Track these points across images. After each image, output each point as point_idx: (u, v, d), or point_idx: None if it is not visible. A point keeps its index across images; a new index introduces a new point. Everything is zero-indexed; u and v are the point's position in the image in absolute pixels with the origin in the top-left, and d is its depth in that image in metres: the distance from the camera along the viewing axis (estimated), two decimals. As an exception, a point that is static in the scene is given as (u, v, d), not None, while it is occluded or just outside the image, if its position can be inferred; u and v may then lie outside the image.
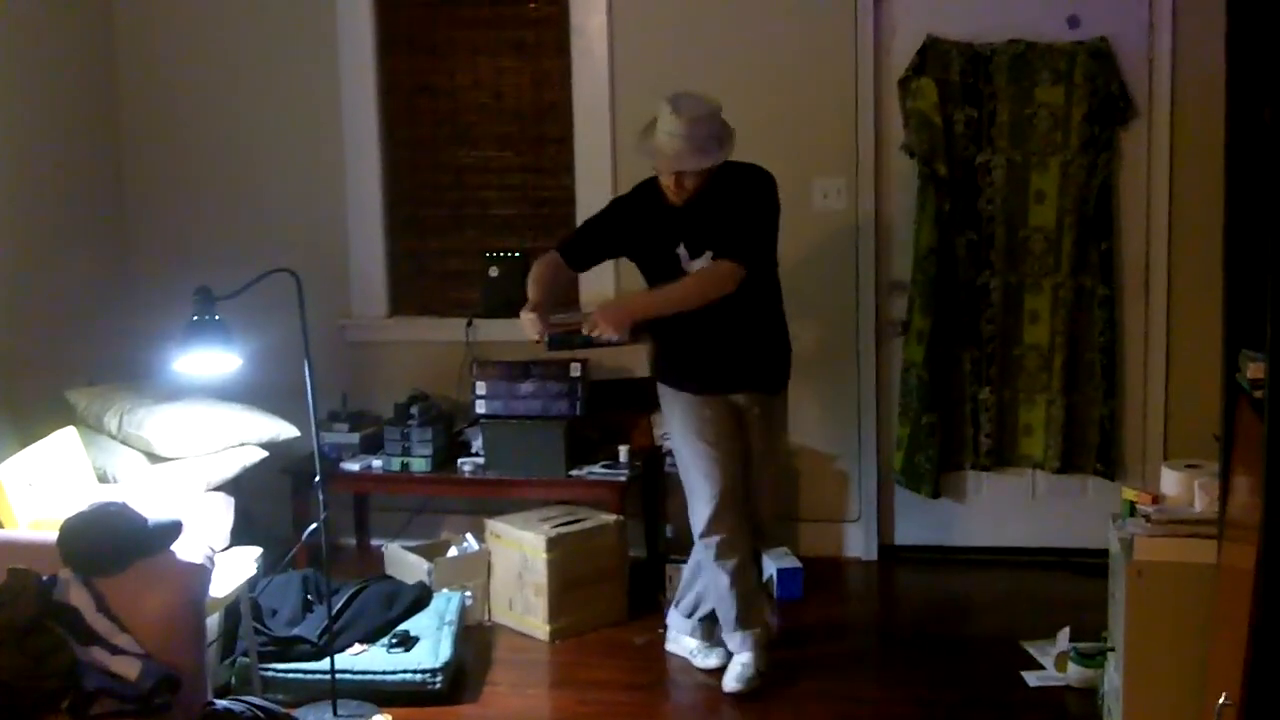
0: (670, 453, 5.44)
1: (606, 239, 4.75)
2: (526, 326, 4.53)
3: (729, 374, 4.65)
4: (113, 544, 3.58)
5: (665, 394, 4.77)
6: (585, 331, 4.50)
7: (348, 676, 4.53)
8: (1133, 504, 3.96)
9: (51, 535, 3.63)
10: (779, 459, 4.98)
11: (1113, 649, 4.02)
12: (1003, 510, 6.02)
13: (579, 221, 5.96)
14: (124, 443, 5.14)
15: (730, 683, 4.69)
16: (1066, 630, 4.75)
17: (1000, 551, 6.00)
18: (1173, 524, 3.74)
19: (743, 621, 4.74)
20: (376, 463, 5.78)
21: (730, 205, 4.52)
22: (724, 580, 4.70)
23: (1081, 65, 5.63)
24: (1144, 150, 5.69)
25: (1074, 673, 4.60)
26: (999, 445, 5.88)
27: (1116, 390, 5.78)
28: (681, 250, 4.55)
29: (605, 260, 4.97)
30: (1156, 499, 3.93)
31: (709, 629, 4.91)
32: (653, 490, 5.80)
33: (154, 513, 3.76)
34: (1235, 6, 3.17)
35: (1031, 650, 4.91)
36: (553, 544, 5.18)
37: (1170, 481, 3.97)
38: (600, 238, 4.76)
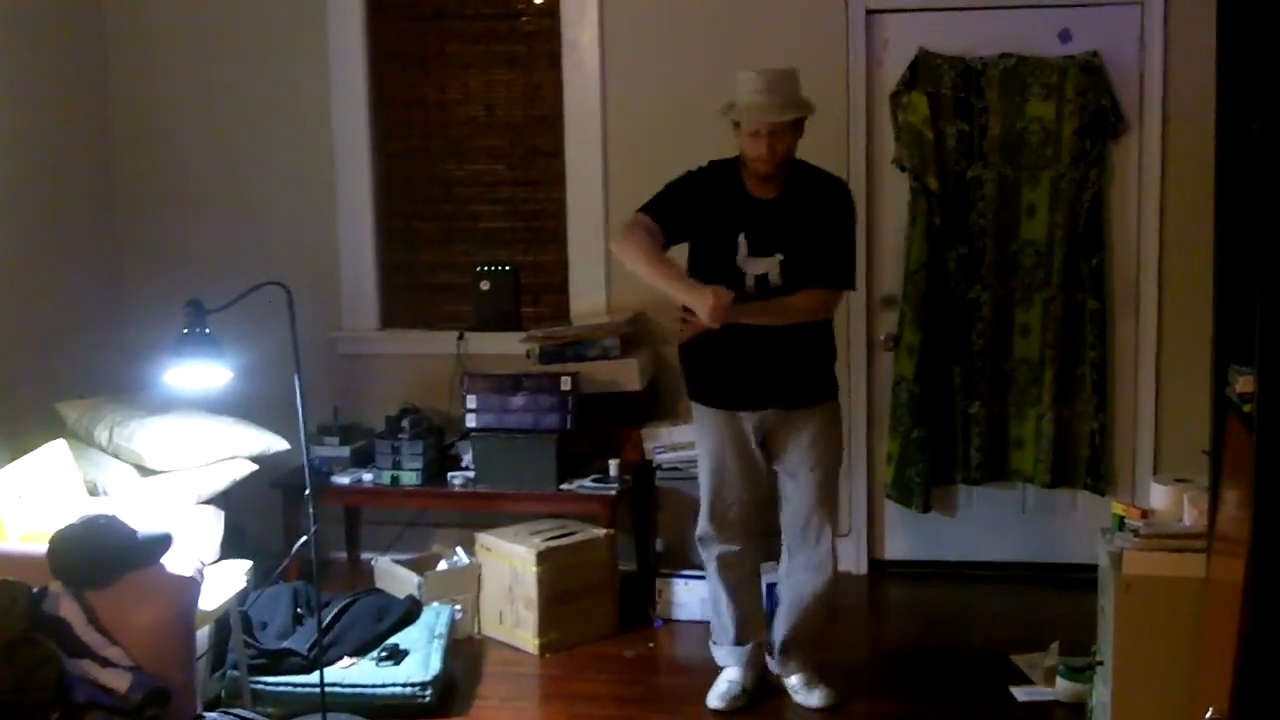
0: (659, 467, 5.50)
1: (683, 206, 4.48)
2: (715, 309, 4.23)
3: (752, 391, 4.52)
4: (103, 557, 3.57)
5: (694, 409, 4.71)
6: (686, 319, 4.38)
7: (338, 690, 4.52)
8: (1122, 518, 3.97)
9: (41, 548, 3.62)
10: (824, 472, 4.65)
11: (1101, 663, 4.02)
12: (993, 525, 6.02)
13: (570, 234, 5.99)
14: (114, 455, 5.13)
15: (713, 700, 4.68)
16: (1056, 645, 4.76)
17: (990, 566, 6.01)
18: (1161, 538, 3.75)
19: (735, 637, 4.74)
20: (367, 476, 5.77)
21: (823, 221, 4.46)
22: (721, 593, 4.71)
23: (1073, 80, 5.64)
24: (1135, 164, 5.71)
25: (1063, 687, 4.59)
26: (989, 459, 5.88)
27: (1107, 404, 5.79)
28: (741, 240, 4.41)
29: (683, 235, 4.52)
30: (1145, 513, 3.95)
31: (782, 660, 4.79)
32: (643, 504, 5.79)
33: (144, 526, 3.76)
34: (1225, 22, 3.18)
35: (1021, 665, 4.91)
36: (543, 557, 5.18)
37: (1159, 496, 3.98)
38: (679, 203, 4.49)
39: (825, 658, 4.81)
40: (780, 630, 4.75)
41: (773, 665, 4.78)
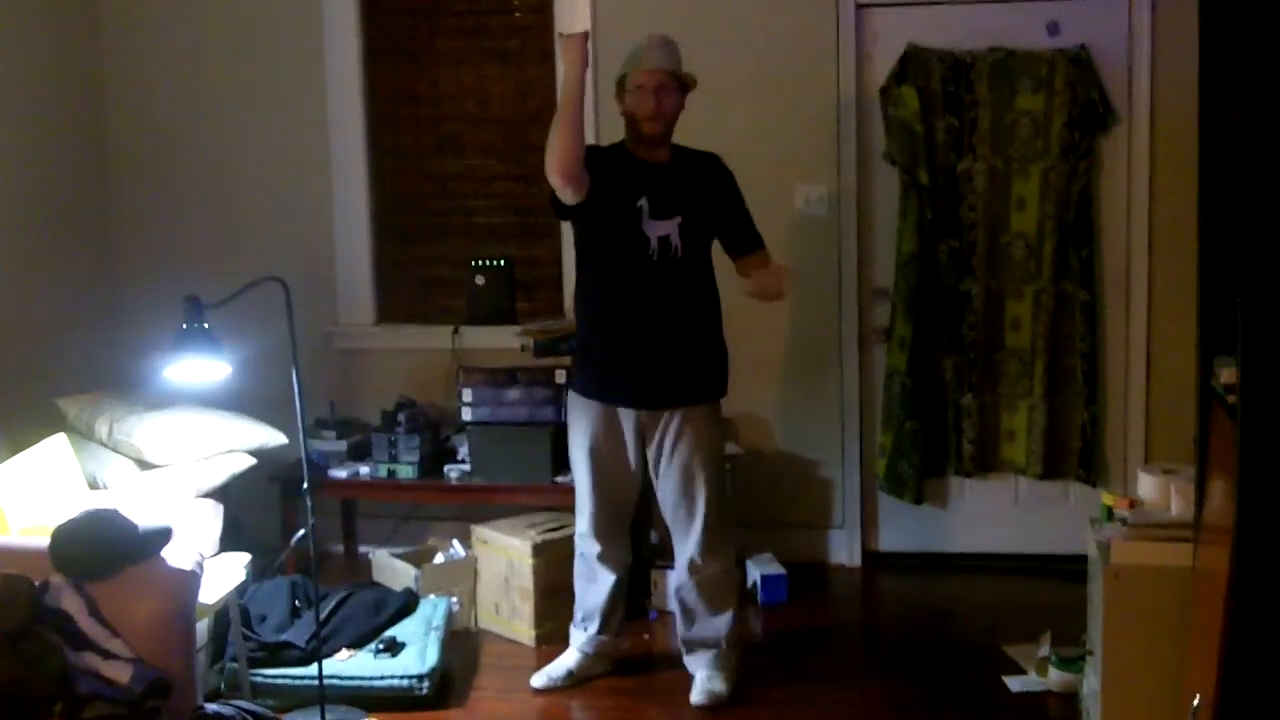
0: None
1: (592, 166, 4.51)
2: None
3: (641, 387, 4.61)
4: (104, 550, 3.60)
5: (571, 399, 4.81)
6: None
7: (336, 682, 4.55)
8: (1110, 508, 4.00)
9: (43, 541, 3.65)
10: (702, 474, 4.66)
11: (1091, 652, 4.05)
12: (985, 516, 6.06)
13: (563, 229, 6.00)
14: (114, 450, 5.16)
15: (536, 677, 4.84)
16: (1048, 635, 4.79)
17: (983, 557, 6.04)
18: (1149, 528, 3.78)
19: (582, 624, 4.92)
20: (364, 469, 5.80)
21: (715, 189, 4.61)
22: (578, 580, 4.91)
23: (1062, 72, 5.68)
24: (1124, 156, 5.75)
25: (1055, 677, 4.63)
26: (981, 451, 5.92)
27: (1098, 396, 5.83)
28: (644, 204, 4.51)
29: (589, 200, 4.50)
30: (1133, 503, 3.97)
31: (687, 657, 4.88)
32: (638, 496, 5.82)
33: (144, 519, 3.78)
34: (1207, 14, 3.21)
35: (1014, 655, 4.95)
36: (538, 549, 5.22)
37: (1147, 486, 4.01)
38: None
39: (811, 649, 4.85)
40: (679, 627, 4.85)
41: (686, 662, 4.87)
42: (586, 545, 4.82)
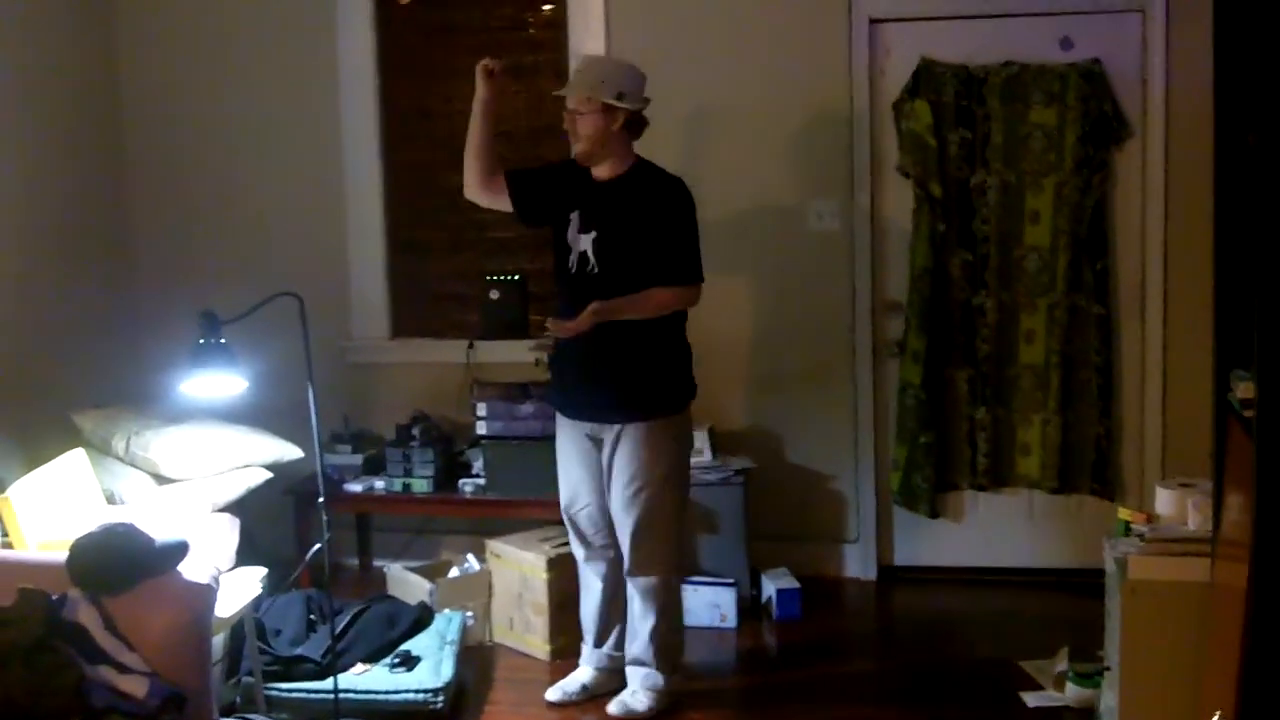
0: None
1: (540, 174, 4.79)
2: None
3: (585, 402, 4.67)
4: (121, 564, 3.60)
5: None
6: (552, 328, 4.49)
7: (351, 696, 4.56)
8: (1127, 523, 3.99)
9: (60, 555, 3.66)
10: (655, 491, 4.63)
11: (1108, 668, 4.04)
12: (1000, 530, 6.05)
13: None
14: (131, 464, 5.17)
15: (551, 691, 4.85)
16: (1065, 650, 4.78)
17: (998, 571, 6.03)
18: (1166, 542, 3.76)
19: (587, 639, 4.94)
20: (378, 484, 5.82)
21: (656, 212, 4.54)
22: (581, 593, 4.94)
23: (1074, 86, 5.68)
24: (1138, 170, 5.74)
25: (1072, 693, 4.61)
26: (996, 465, 5.92)
27: (1112, 409, 5.82)
28: (574, 217, 4.58)
29: (541, 207, 4.72)
30: (1150, 518, 3.96)
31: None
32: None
33: (161, 533, 3.79)
34: (1222, 32, 3.22)
35: (1030, 670, 4.94)
36: (552, 564, 5.22)
37: (1164, 500, 4.00)
38: (539, 171, 4.83)
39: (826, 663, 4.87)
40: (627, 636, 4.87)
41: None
42: (574, 552, 4.91)
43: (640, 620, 4.74)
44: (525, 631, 5.31)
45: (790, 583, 5.69)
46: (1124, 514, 4.05)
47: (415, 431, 5.82)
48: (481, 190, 4.70)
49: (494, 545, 5.48)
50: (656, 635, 4.73)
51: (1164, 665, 3.66)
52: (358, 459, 5.91)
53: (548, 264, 6.12)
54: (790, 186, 5.88)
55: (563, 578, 5.20)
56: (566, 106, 4.55)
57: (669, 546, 4.71)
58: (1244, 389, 2.88)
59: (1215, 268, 3.28)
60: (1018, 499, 6.02)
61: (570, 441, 4.76)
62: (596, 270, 4.54)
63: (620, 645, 4.88)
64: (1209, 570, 3.44)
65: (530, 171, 4.81)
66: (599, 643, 4.90)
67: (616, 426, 4.60)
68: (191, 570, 3.74)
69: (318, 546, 4.48)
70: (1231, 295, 3.13)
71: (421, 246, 6.38)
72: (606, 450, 4.64)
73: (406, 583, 5.51)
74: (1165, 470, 5.70)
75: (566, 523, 4.86)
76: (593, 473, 4.72)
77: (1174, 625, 3.63)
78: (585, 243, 4.56)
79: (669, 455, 4.64)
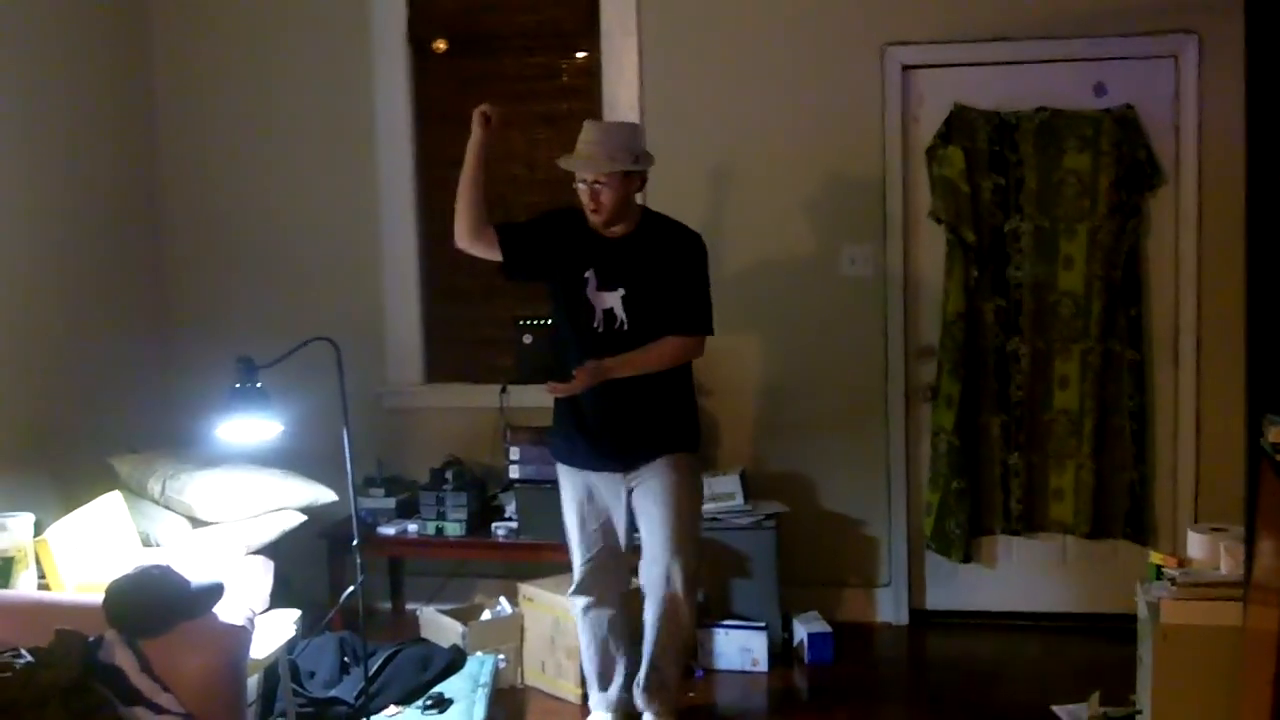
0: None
1: (535, 231, 4.71)
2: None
3: (609, 451, 4.66)
4: (157, 606, 3.64)
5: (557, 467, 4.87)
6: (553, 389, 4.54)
7: (383, 738, 4.57)
8: (1159, 567, 3.98)
9: (97, 597, 3.70)
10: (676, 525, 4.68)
11: (1140, 712, 4.03)
12: (1033, 575, 6.03)
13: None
14: (166, 507, 5.20)
15: None
16: (1097, 695, 4.76)
17: (1031, 616, 6.01)
18: (1198, 587, 3.76)
19: (598, 684, 4.91)
20: (412, 527, 5.85)
21: (671, 263, 4.56)
22: (583, 642, 4.91)
23: (1108, 132, 5.70)
24: (1171, 216, 5.74)
25: (1105, 737, 4.60)
26: (1029, 510, 5.90)
27: (1146, 455, 5.80)
28: (590, 275, 4.56)
29: (533, 263, 4.71)
30: (1182, 562, 3.96)
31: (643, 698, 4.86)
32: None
33: (196, 576, 3.82)
34: (1254, 78, 3.23)
35: (1063, 715, 4.90)
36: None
37: (1196, 545, 3.99)
38: (532, 227, 4.73)
39: (859, 708, 4.84)
40: (641, 670, 4.83)
41: (637, 700, 4.85)
42: (574, 602, 4.87)
43: (660, 652, 4.73)
44: (557, 675, 5.32)
45: (822, 627, 5.68)
46: (1156, 558, 4.05)
47: (448, 475, 5.85)
48: (471, 241, 4.67)
49: (526, 589, 5.49)
50: (659, 668, 4.74)
51: (1195, 710, 3.66)
52: (391, 502, 5.94)
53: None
54: (823, 232, 5.90)
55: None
56: (581, 179, 4.51)
57: (693, 546, 4.71)
58: (1276, 433, 2.88)
59: (1248, 313, 3.29)
60: (1051, 544, 6.00)
61: (577, 489, 4.76)
62: (627, 327, 4.55)
63: (628, 686, 4.88)
64: (1241, 615, 3.43)
65: (522, 226, 4.75)
66: (604, 685, 4.90)
67: (640, 467, 4.62)
68: (226, 612, 3.77)
69: (351, 589, 4.50)
70: (1264, 340, 3.14)
71: (456, 292, 6.42)
72: (624, 491, 4.66)
73: (439, 625, 5.52)
74: (1198, 515, 5.68)
75: (580, 572, 4.81)
76: (600, 517, 4.74)
77: (1206, 670, 3.62)
78: (612, 300, 4.55)
79: (689, 485, 4.69)
